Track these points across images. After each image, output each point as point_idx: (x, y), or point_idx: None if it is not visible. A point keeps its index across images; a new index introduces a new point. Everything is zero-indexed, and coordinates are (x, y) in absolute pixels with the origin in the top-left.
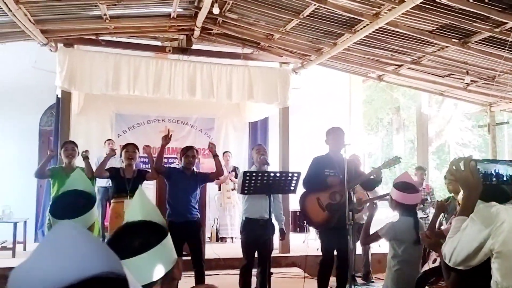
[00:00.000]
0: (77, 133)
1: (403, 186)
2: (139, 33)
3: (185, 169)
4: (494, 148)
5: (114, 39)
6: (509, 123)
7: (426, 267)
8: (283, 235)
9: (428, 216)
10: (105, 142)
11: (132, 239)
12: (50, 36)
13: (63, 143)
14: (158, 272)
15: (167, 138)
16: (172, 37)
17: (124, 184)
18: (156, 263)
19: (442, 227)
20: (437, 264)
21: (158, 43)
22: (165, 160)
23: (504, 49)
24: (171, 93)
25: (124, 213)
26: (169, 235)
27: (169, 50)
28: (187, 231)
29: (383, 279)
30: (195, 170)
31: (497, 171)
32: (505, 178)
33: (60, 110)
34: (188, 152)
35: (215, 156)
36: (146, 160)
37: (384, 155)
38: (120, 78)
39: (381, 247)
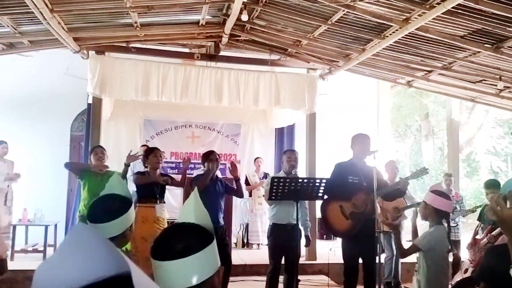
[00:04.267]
0: (107, 138)
1: (440, 192)
2: (168, 40)
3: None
4: None
5: (144, 46)
6: None
7: (459, 276)
8: (309, 242)
9: (457, 225)
10: (140, 147)
11: (178, 241)
12: (82, 43)
13: (93, 147)
14: (199, 277)
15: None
16: (200, 44)
17: (151, 188)
18: (198, 268)
19: (478, 237)
20: (468, 274)
21: (187, 50)
22: (192, 166)
23: None
24: (198, 99)
25: (152, 218)
26: (214, 241)
27: (197, 57)
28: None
29: None
30: (219, 176)
31: None
32: None
33: (91, 116)
34: (211, 156)
35: (237, 180)
36: (173, 165)
37: (412, 162)
38: (149, 84)
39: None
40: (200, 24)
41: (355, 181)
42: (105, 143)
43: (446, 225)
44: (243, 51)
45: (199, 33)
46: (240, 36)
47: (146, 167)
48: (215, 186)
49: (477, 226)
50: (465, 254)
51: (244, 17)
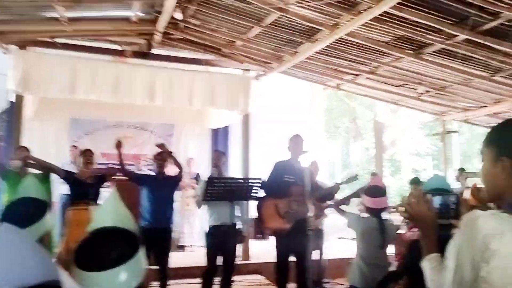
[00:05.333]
0: (31, 138)
1: (372, 191)
2: (97, 36)
3: (157, 173)
4: (446, 157)
5: (71, 41)
6: (459, 132)
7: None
8: (242, 238)
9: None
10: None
11: (107, 250)
12: (3, 37)
13: (16, 148)
14: (132, 284)
15: (119, 146)
16: (132, 41)
17: (84, 190)
18: (131, 275)
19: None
20: (393, 268)
21: (118, 47)
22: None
23: (455, 61)
24: (130, 98)
25: (87, 221)
26: (141, 245)
27: (129, 55)
28: (160, 239)
29: (342, 284)
30: (168, 175)
31: (444, 202)
32: (451, 209)
33: (12, 115)
34: (159, 156)
35: (170, 153)
36: (105, 167)
37: (342, 162)
38: (77, 81)
39: (340, 252)
40: (131, 21)
41: (291, 181)
42: (29, 143)
43: (378, 221)
44: (177, 50)
45: (131, 30)
46: (173, 35)
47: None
48: (165, 186)
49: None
50: (390, 249)
51: (178, 16)
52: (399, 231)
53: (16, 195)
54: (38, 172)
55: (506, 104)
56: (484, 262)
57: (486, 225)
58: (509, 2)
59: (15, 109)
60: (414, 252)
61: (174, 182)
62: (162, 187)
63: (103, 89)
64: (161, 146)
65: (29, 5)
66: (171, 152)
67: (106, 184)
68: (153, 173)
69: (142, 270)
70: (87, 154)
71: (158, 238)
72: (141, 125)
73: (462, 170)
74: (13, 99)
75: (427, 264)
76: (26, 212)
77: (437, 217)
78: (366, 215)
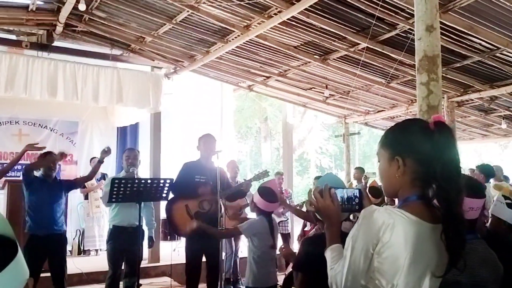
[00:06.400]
0: None
1: (267, 193)
2: None
3: (46, 176)
4: (348, 156)
5: None
6: (360, 134)
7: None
8: (152, 243)
9: (288, 219)
10: None
11: None
12: None
13: None
14: None
15: (32, 147)
16: (30, 32)
17: None
18: (6, 286)
19: (306, 228)
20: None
21: (13, 37)
22: (18, 167)
23: (358, 67)
24: (27, 92)
25: None
26: (20, 251)
27: (26, 45)
28: (51, 246)
29: None
30: (58, 177)
31: (348, 196)
32: (354, 202)
33: None
34: (48, 158)
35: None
36: None
37: (253, 162)
38: None
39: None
40: (29, 10)
41: (202, 181)
42: None
43: (268, 221)
44: (81, 43)
45: (29, 19)
46: (77, 27)
47: None
48: (55, 190)
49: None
50: (296, 246)
51: (82, 7)
52: (305, 228)
53: None
54: None
55: (401, 108)
56: (377, 254)
57: (380, 218)
58: (405, 15)
59: None
60: (307, 247)
61: (67, 187)
62: (51, 191)
63: None
64: (63, 155)
65: None
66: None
67: None
68: (39, 176)
69: (21, 279)
70: None
71: (48, 246)
72: (39, 121)
73: (360, 169)
74: None
75: (329, 254)
76: None
77: (340, 210)
78: (257, 217)
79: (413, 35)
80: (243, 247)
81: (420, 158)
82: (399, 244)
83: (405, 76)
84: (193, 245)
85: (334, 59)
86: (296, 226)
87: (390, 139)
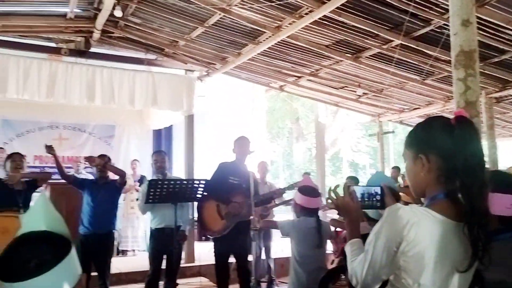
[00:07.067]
0: None
1: (306, 190)
2: (31, 32)
3: (98, 178)
4: (382, 155)
5: (1, 37)
6: (394, 133)
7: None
8: (183, 237)
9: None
10: None
11: (32, 256)
12: None
13: None
14: None
15: (51, 150)
16: (69, 39)
17: (13, 196)
18: (59, 281)
19: (338, 229)
20: (335, 265)
21: (53, 45)
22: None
23: (391, 65)
24: (66, 98)
25: (14, 229)
26: (73, 248)
27: (65, 52)
28: (101, 245)
29: (286, 283)
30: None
31: (368, 193)
32: (374, 199)
33: None
34: (98, 160)
35: (105, 164)
36: (38, 170)
37: (285, 162)
38: (7, 80)
39: (283, 251)
40: (68, 18)
41: (235, 182)
42: None
43: (315, 219)
44: (117, 49)
45: (67, 26)
46: (113, 33)
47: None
48: (107, 191)
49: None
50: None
51: (118, 13)
52: (337, 229)
53: None
54: None
55: (437, 106)
56: (402, 253)
57: (404, 216)
58: (439, 10)
59: None
60: None
61: (116, 187)
62: (103, 192)
63: (36, 89)
64: (101, 157)
65: None
66: (106, 163)
67: (40, 189)
68: (93, 178)
69: (75, 275)
70: (15, 158)
71: (98, 245)
72: (78, 126)
73: (397, 168)
74: None
75: (349, 248)
76: None
77: (361, 207)
78: (299, 218)
79: (449, 30)
80: (274, 247)
81: (443, 154)
82: (424, 242)
83: (441, 73)
84: (221, 246)
85: (366, 57)
86: None
87: (413, 138)
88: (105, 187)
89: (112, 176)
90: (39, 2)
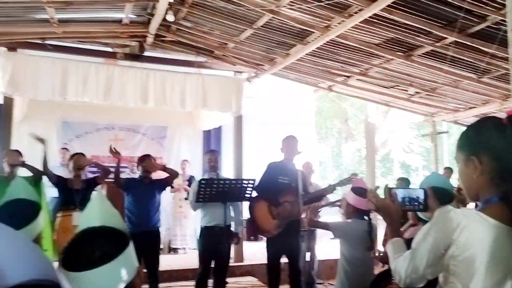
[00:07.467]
0: (20, 141)
1: (360, 191)
2: (88, 38)
3: (143, 178)
4: (436, 156)
5: (62, 43)
6: (449, 133)
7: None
8: (238, 240)
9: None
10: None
11: (93, 248)
12: None
13: (6, 152)
14: (121, 282)
15: (115, 153)
16: (124, 44)
17: (72, 195)
18: (119, 273)
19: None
20: (386, 267)
21: (109, 49)
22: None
23: (444, 62)
24: (122, 100)
25: (72, 227)
26: (131, 242)
27: (121, 57)
28: (147, 242)
29: (334, 285)
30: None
31: (410, 196)
32: (416, 202)
33: (1, 117)
34: (146, 162)
35: (164, 167)
36: (95, 170)
37: (334, 163)
38: (68, 84)
39: (331, 253)
40: (123, 23)
41: (285, 182)
42: (18, 146)
43: (367, 222)
44: (169, 52)
45: (123, 32)
46: (165, 37)
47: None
48: (150, 190)
49: None
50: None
51: (170, 18)
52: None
53: (4, 198)
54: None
55: (494, 105)
56: (451, 257)
57: (455, 219)
58: (496, 5)
59: (4, 111)
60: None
61: (160, 186)
62: (147, 191)
63: (94, 92)
64: (146, 156)
65: (19, 6)
66: (165, 166)
67: (98, 187)
68: (137, 177)
69: (133, 267)
70: (78, 159)
71: (145, 242)
72: (133, 127)
73: (449, 169)
74: (2, 101)
75: (390, 247)
76: (18, 214)
77: (402, 209)
78: (351, 219)
79: (506, 26)
80: (321, 248)
81: (495, 155)
82: (475, 247)
83: (498, 70)
84: (273, 245)
85: (418, 55)
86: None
87: (464, 140)
88: (149, 186)
89: (154, 175)
90: (96, 9)
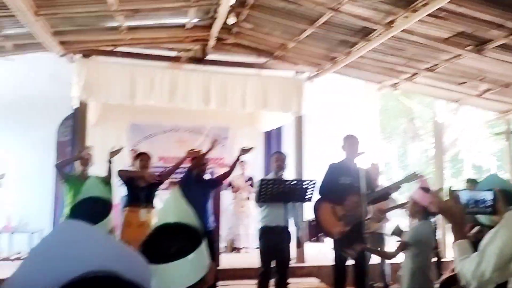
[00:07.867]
0: (93, 143)
1: (427, 190)
2: (154, 43)
3: (198, 176)
4: (511, 156)
5: (130, 50)
6: None
7: (446, 275)
8: (300, 243)
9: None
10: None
11: (169, 244)
12: (68, 47)
13: (78, 151)
14: (194, 277)
15: (192, 153)
16: (187, 48)
17: (138, 193)
18: (193, 268)
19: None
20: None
21: (174, 54)
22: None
23: None
24: (186, 102)
25: (136, 222)
26: (204, 241)
27: (184, 61)
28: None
29: None
30: (205, 177)
31: (475, 199)
32: (482, 205)
33: (76, 121)
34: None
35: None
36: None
37: (399, 163)
38: (136, 88)
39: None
40: (186, 28)
41: (347, 182)
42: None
43: (432, 222)
44: (230, 55)
45: (186, 36)
46: (227, 40)
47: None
48: (203, 189)
49: None
50: (451, 253)
51: (231, 21)
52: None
53: (80, 197)
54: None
55: None
56: None
57: None
58: None
59: (79, 115)
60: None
61: (210, 185)
62: (201, 190)
63: (160, 95)
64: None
65: (91, 15)
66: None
67: (162, 186)
68: (190, 175)
69: (205, 263)
70: (143, 158)
71: None
72: (196, 129)
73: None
74: (77, 106)
75: (456, 248)
76: (92, 211)
77: (467, 212)
78: (419, 221)
79: None
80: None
81: None
82: None
83: None
84: (340, 247)
85: (490, 49)
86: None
87: None
88: (200, 184)
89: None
90: (161, 15)
